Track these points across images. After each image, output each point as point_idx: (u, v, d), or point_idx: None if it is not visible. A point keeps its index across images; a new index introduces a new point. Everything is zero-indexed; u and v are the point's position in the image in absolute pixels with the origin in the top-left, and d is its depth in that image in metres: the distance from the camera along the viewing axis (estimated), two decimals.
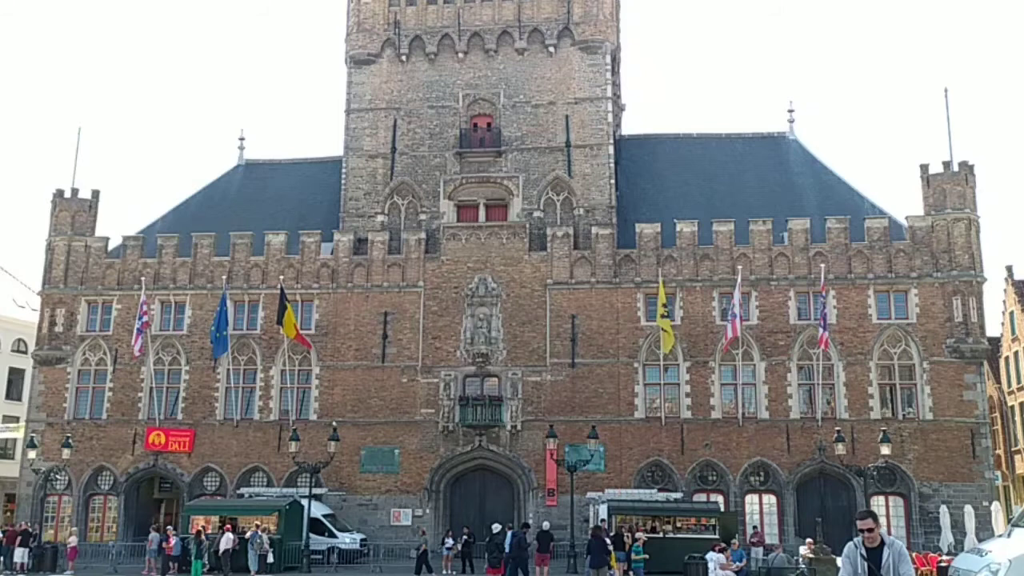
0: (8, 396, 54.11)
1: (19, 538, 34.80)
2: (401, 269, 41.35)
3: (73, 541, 35.19)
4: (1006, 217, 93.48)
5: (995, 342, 47.62)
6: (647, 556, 28.38)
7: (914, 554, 28.63)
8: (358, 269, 41.61)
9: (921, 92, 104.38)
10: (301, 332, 39.35)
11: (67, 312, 42.31)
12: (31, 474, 40.48)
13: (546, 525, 31.50)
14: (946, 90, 41.57)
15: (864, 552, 9.02)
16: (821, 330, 36.50)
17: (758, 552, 32.59)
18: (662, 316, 37.27)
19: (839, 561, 9.59)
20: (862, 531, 9.08)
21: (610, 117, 43.42)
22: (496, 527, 30.87)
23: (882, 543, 9.04)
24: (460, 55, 44.30)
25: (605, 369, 39.34)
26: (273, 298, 39.79)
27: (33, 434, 40.59)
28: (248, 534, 32.46)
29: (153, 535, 34.19)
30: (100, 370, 41.86)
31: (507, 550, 28.62)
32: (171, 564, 32.94)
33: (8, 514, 48.03)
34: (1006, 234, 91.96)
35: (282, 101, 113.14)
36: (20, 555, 34.25)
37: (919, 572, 26.24)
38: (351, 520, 38.49)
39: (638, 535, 29.69)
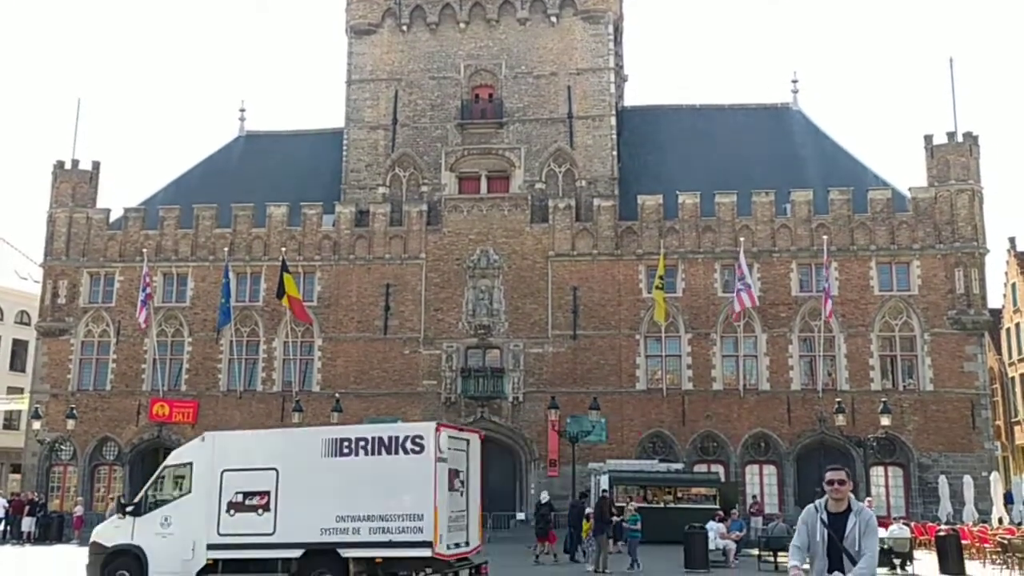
0: (12, 367, 54.42)
1: (26, 508, 35.23)
2: (403, 241, 41.35)
3: (79, 511, 35.59)
4: (1009, 188, 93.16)
5: (996, 314, 47.67)
6: (639, 527, 25.17)
7: (912, 524, 28.87)
8: (360, 241, 41.60)
9: (926, 62, 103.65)
10: (304, 305, 39.32)
11: (69, 284, 42.39)
12: (36, 445, 40.86)
13: (544, 496, 28.36)
14: (951, 60, 41.68)
15: (825, 517, 7.66)
16: (827, 302, 36.45)
17: (758, 522, 32.86)
18: (657, 288, 37.32)
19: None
20: (831, 483, 7.67)
21: (612, 88, 43.17)
22: (544, 496, 28.06)
23: (849, 508, 7.69)
24: (461, 25, 43.95)
25: (606, 341, 39.44)
26: (275, 270, 39.74)
27: (37, 405, 40.86)
28: None
29: (112, 505, 34.15)
30: (103, 341, 42.03)
31: None
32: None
33: (15, 484, 48.46)
34: (1009, 206, 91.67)
35: (283, 72, 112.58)
36: (27, 524, 34.72)
37: (917, 542, 26.32)
38: None
39: (629, 505, 28.04)
